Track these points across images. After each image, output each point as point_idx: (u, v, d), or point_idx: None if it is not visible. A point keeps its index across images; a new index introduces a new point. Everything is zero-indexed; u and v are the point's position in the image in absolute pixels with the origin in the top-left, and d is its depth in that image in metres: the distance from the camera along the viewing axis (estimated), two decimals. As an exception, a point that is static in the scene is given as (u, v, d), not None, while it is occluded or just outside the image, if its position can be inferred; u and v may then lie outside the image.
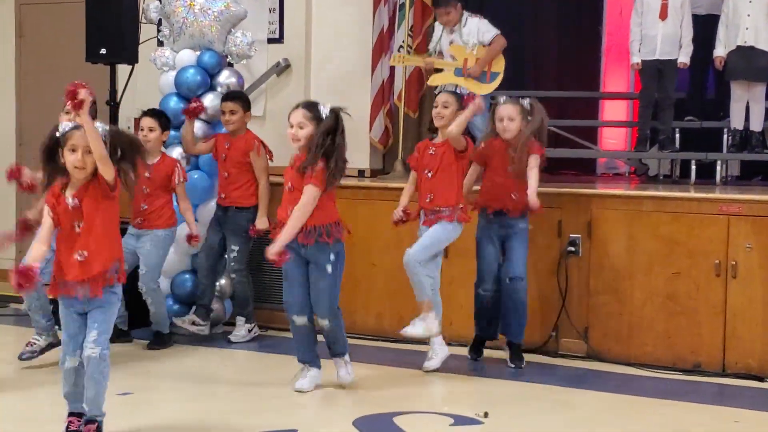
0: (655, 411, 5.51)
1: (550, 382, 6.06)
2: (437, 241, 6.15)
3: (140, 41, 7.60)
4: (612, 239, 6.58)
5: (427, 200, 6.17)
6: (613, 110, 10.29)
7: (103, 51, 7.31)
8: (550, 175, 7.25)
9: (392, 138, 8.23)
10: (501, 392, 5.86)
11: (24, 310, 6.34)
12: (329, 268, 5.57)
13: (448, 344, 6.33)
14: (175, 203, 6.82)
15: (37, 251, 4.48)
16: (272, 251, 5.45)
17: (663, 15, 7.84)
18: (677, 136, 8.45)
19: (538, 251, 6.60)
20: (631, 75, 9.58)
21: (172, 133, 7.20)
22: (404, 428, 5.03)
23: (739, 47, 7.74)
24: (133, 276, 6.49)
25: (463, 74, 7.35)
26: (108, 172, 4.45)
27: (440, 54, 7.58)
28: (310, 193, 5.46)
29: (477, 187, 6.47)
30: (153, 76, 7.63)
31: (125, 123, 8.04)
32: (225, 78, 7.42)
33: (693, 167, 7.93)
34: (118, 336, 6.35)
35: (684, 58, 7.87)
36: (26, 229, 5.09)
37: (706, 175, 8.04)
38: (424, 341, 6.32)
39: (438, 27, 7.62)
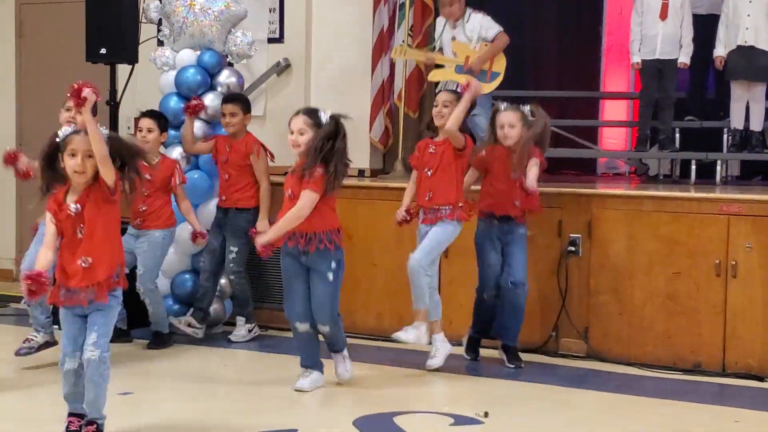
0: (655, 411, 5.51)
1: (550, 382, 6.05)
2: (439, 244, 6.15)
3: (140, 41, 7.60)
4: (612, 239, 6.58)
5: (427, 198, 6.16)
6: (614, 110, 10.30)
7: (103, 51, 7.31)
8: (551, 175, 7.26)
9: (392, 138, 8.23)
10: (501, 392, 5.86)
11: (23, 304, 6.34)
12: (330, 276, 5.58)
13: (450, 344, 6.33)
14: (174, 205, 6.82)
15: (45, 258, 4.47)
16: (260, 242, 5.48)
17: (663, 15, 7.84)
18: (677, 135, 8.45)
19: (538, 251, 6.60)
20: (632, 75, 9.58)
21: (172, 132, 7.21)
22: (404, 428, 5.03)
23: (739, 47, 7.74)
24: (131, 276, 6.48)
25: (464, 71, 7.35)
26: (109, 174, 4.45)
27: (440, 51, 7.57)
28: (307, 198, 5.46)
29: (477, 187, 6.46)
30: (153, 76, 7.63)
31: (125, 123, 8.05)
32: (225, 78, 7.42)
33: (693, 167, 7.93)
34: (118, 336, 6.34)
35: (684, 58, 7.87)
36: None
37: (706, 174, 8.04)
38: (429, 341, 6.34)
39: (440, 22, 7.61)
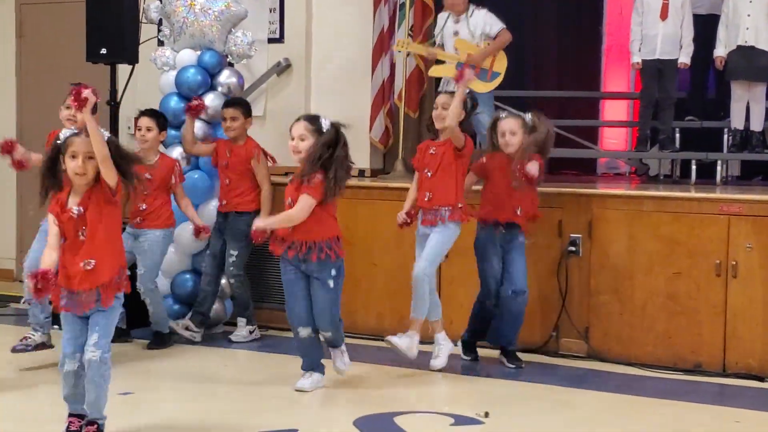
0: (655, 411, 5.51)
1: (550, 382, 6.05)
2: (441, 250, 6.15)
3: (141, 41, 7.59)
4: (612, 239, 6.58)
5: (426, 199, 6.16)
6: (614, 110, 10.30)
7: (103, 51, 7.30)
8: (551, 175, 7.24)
9: (392, 138, 8.23)
10: (501, 392, 5.86)
11: (24, 301, 6.33)
12: (331, 283, 5.59)
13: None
14: (174, 206, 6.82)
15: (49, 258, 4.47)
16: (257, 225, 5.54)
17: (663, 15, 7.84)
18: (677, 136, 8.45)
19: (538, 251, 6.59)
20: (632, 75, 9.59)
21: (173, 132, 7.21)
22: (405, 428, 5.03)
23: (739, 47, 7.74)
24: (131, 275, 6.47)
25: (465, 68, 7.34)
26: (110, 175, 4.46)
27: (440, 46, 7.56)
28: (304, 202, 5.46)
29: (478, 187, 6.46)
30: (153, 76, 7.63)
31: (125, 123, 8.05)
32: (225, 78, 7.42)
33: (693, 167, 7.93)
34: (118, 335, 6.32)
35: (685, 58, 7.87)
36: None
37: (706, 175, 8.03)
38: (426, 341, 6.33)
39: (442, 17, 7.60)
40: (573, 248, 6.63)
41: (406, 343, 6.09)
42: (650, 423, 5.30)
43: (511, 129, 6.22)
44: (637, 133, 8.55)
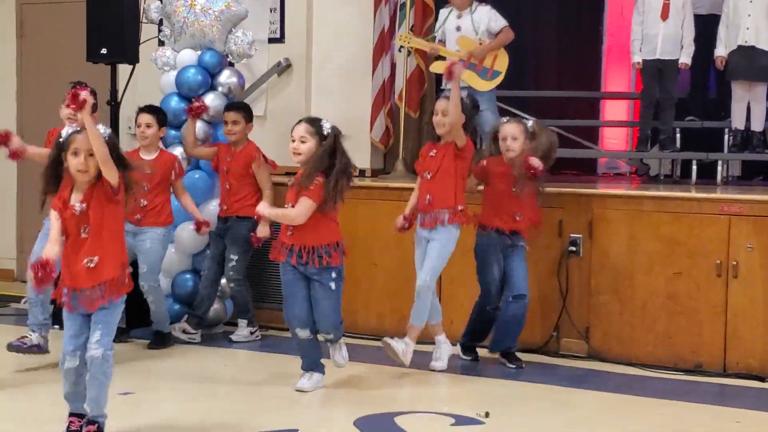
0: (655, 411, 5.51)
1: (550, 382, 6.05)
2: (442, 258, 6.14)
3: (141, 41, 7.58)
4: (613, 239, 6.57)
5: (426, 202, 6.16)
6: (614, 110, 10.30)
7: (103, 51, 7.30)
8: (551, 174, 7.24)
9: (393, 138, 8.22)
10: (502, 392, 5.86)
11: (25, 300, 6.33)
12: (332, 285, 5.59)
13: (451, 344, 6.34)
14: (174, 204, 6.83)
15: (51, 250, 4.46)
16: (259, 209, 5.58)
17: (664, 15, 7.84)
18: (678, 136, 8.45)
19: (538, 251, 6.59)
20: (632, 75, 9.58)
21: (173, 132, 7.21)
22: (405, 428, 5.03)
23: (740, 47, 7.74)
24: (132, 274, 6.47)
25: (466, 66, 7.35)
26: (111, 174, 4.47)
27: (440, 42, 7.55)
28: (303, 205, 5.46)
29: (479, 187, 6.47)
30: (154, 76, 7.63)
31: (126, 123, 8.04)
32: (226, 78, 7.42)
33: (694, 167, 7.93)
34: (118, 334, 6.32)
35: (685, 58, 7.87)
36: None
37: (707, 175, 8.04)
38: (427, 340, 6.33)
39: (443, 12, 7.59)
40: (573, 248, 6.63)
41: (402, 349, 6.08)
42: (650, 423, 5.30)
43: (513, 134, 6.22)
44: (637, 133, 8.55)
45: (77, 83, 6.16)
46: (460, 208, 6.11)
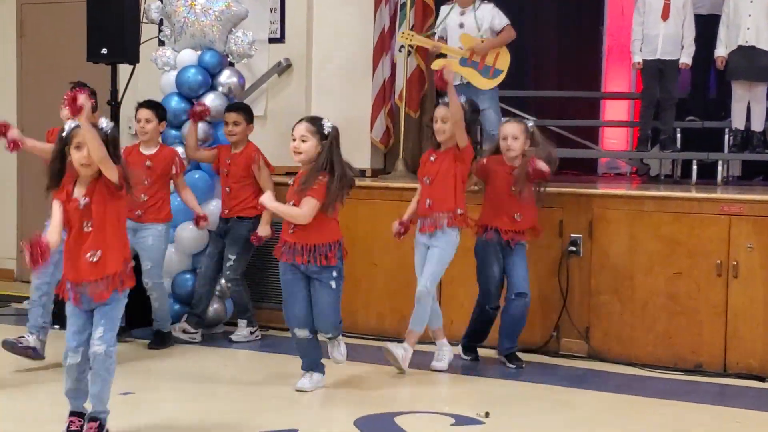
0: (655, 411, 5.51)
1: (550, 382, 6.05)
2: (443, 264, 6.14)
3: (141, 41, 7.60)
4: (613, 239, 6.57)
5: (426, 206, 6.15)
6: (615, 110, 10.29)
7: (104, 51, 7.31)
8: (552, 174, 7.24)
9: (393, 138, 8.22)
10: (502, 392, 5.86)
11: (25, 304, 6.31)
12: (333, 284, 5.59)
13: (450, 343, 6.36)
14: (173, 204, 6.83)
15: (52, 235, 4.48)
16: (262, 200, 5.54)
17: (665, 15, 7.84)
18: (678, 136, 8.45)
19: (539, 251, 6.59)
20: (633, 75, 9.58)
21: (173, 132, 7.21)
22: (405, 428, 5.03)
23: (740, 47, 7.74)
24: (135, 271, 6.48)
25: (468, 63, 7.35)
26: (111, 173, 4.49)
27: (440, 39, 7.55)
28: (309, 204, 5.46)
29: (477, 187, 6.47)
30: (154, 76, 7.64)
31: (126, 123, 8.05)
32: (226, 78, 7.42)
33: (694, 167, 7.93)
34: (118, 333, 6.33)
35: (686, 58, 7.87)
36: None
37: (707, 175, 8.03)
38: (427, 340, 6.34)
39: (444, 9, 7.59)
40: (573, 248, 6.63)
41: (401, 354, 6.08)
42: (650, 423, 5.30)
43: (513, 134, 6.22)
44: (637, 133, 8.54)
45: (77, 84, 6.18)
46: (459, 211, 6.10)
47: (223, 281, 7.16)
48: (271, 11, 8.31)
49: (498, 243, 6.27)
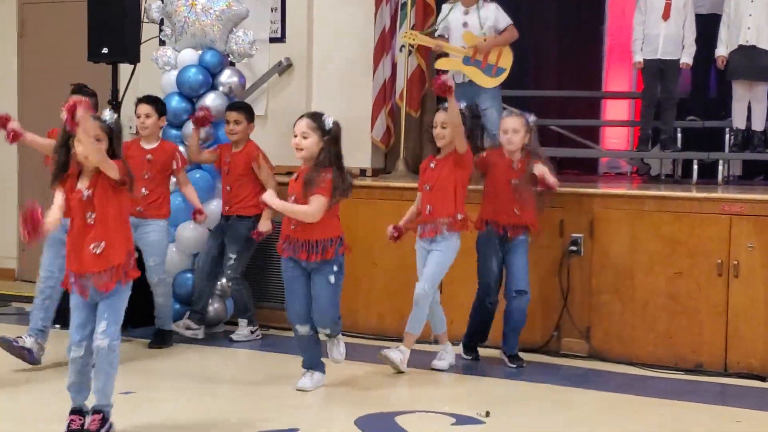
0: (656, 411, 5.51)
1: (551, 381, 6.05)
2: (442, 268, 6.14)
3: (142, 41, 7.60)
4: (614, 239, 6.57)
5: (427, 212, 6.15)
6: (615, 110, 10.29)
7: (104, 50, 7.32)
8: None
9: (394, 137, 8.22)
10: (502, 392, 5.86)
11: (29, 310, 6.30)
12: (332, 279, 5.59)
13: (451, 343, 6.36)
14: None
15: (53, 215, 4.54)
16: (265, 198, 5.52)
17: (666, 15, 7.83)
18: (679, 135, 8.44)
19: (539, 251, 6.59)
20: (633, 74, 9.57)
21: (173, 132, 7.22)
22: (406, 428, 5.03)
23: (741, 46, 7.73)
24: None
25: (471, 63, 7.35)
26: (112, 172, 4.53)
27: (441, 37, 7.54)
28: (318, 202, 5.45)
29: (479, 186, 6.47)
30: (155, 76, 7.64)
31: (127, 122, 8.03)
32: (227, 77, 7.42)
33: (695, 167, 7.93)
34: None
35: (687, 58, 7.86)
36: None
37: (708, 174, 8.03)
38: (428, 341, 6.34)
39: (446, 7, 7.59)
40: (574, 248, 6.63)
41: (398, 357, 6.07)
42: (651, 423, 5.30)
43: (514, 127, 6.23)
44: (638, 132, 8.54)
45: (77, 87, 6.18)
46: (459, 217, 6.10)
47: (223, 280, 7.17)
48: (272, 11, 8.31)
49: (497, 236, 6.28)
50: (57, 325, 6.31)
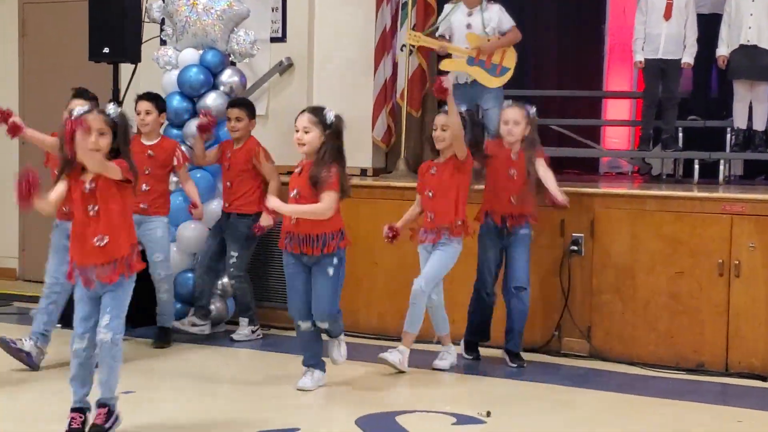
0: (657, 411, 5.50)
1: (552, 381, 6.05)
2: (442, 268, 6.13)
3: (143, 40, 7.60)
4: (615, 238, 6.57)
5: (429, 219, 6.15)
6: (616, 109, 10.29)
7: (105, 50, 7.32)
8: (553, 174, 7.24)
9: (395, 137, 8.22)
10: (503, 392, 5.86)
11: (32, 314, 6.29)
12: (331, 271, 5.57)
13: (452, 341, 6.34)
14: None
15: (49, 197, 4.56)
16: (271, 203, 5.47)
17: (667, 14, 7.84)
18: (680, 135, 8.44)
19: (540, 251, 6.59)
20: (634, 74, 9.58)
21: (174, 131, 7.22)
22: (407, 427, 5.03)
23: (742, 46, 7.74)
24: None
25: (475, 63, 7.35)
26: (114, 174, 4.54)
27: (442, 37, 7.54)
28: (329, 198, 5.45)
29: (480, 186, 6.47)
30: (156, 75, 7.64)
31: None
32: (228, 77, 7.42)
33: (696, 166, 7.93)
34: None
35: (688, 58, 7.87)
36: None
37: (709, 174, 8.03)
38: (429, 340, 6.33)
39: (448, 7, 7.58)
40: (575, 247, 6.63)
41: (398, 358, 6.06)
42: (651, 423, 5.29)
43: (515, 119, 6.24)
44: (639, 132, 8.54)
45: (79, 89, 6.18)
46: (459, 222, 6.09)
47: (225, 279, 7.17)
48: (273, 10, 8.31)
49: (495, 228, 6.28)
50: (58, 325, 6.30)
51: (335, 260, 5.58)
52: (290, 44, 8.27)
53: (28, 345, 6.01)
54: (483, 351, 6.55)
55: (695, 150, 8.15)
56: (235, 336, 7.07)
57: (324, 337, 5.80)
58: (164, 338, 6.81)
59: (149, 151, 6.66)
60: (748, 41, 7.71)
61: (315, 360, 5.78)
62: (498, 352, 6.47)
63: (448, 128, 6.04)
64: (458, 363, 6.36)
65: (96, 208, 4.57)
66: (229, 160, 7.00)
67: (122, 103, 7.51)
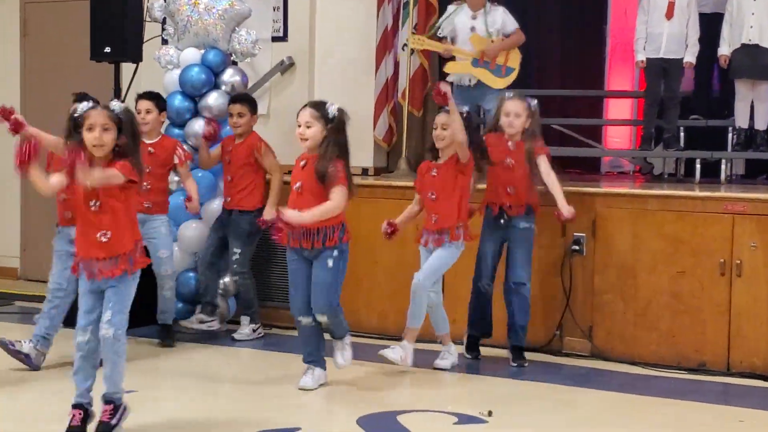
0: (658, 410, 5.50)
1: (553, 381, 6.04)
2: (443, 265, 6.12)
3: (144, 40, 7.60)
4: (616, 238, 6.56)
5: (432, 222, 6.14)
6: (618, 109, 10.27)
7: (107, 49, 7.31)
8: (554, 173, 7.23)
9: (396, 136, 8.23)
10: (505, 391, 5.85)
11: (35, 320, 6.28)
12: (330, 263, 5.56)
13: (452, 341, 6.34)
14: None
15: (51, 178, 4.58)
16: (288, 217, 5.36)
17: (669, 14, 7.83)
18: (682, 134, 8.43)
19: (542, 250, 6.59)
20: (636, 73, 9.56)
21: (176, 131, 7.22)
22: (408, 427, 5.02)
23: (743, 45, 7.72)
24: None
25: (480, 65, 7.34)
26: (117, 180, 4.55)
27: (445, 39, 7.52)
28: (339, 194, 5.45)
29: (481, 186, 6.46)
30: (157, 75, 7.65)
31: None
32: (229, 76, 7.42)
33: (698, 166, 7.92)
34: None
35: (690, 57, 7.86)
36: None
37: (710, 173, 8.01)
38: (430, 340, 6.33)
39: (452, 7, 7.57)
40: (577, 247, 6.62)
41: (400, 354, 6.05)
42: (653, 423, 5.29)
43: (516, 111, 6.24)
44: (641, 131, 8.53)
45: (80, 94, 6.17)
46: (460, 225, 6.08)
47: (226, 278, 7.16)
48: (274, 10, 8.32)
49: (494, 218, 6.28)
50: (62, 325, 6.30)
51: (335, 252, 5.56)
52: (292, 43, 8.28)
53: (27, 347, 6.00)
54: (484, 350, 6.55)
55: (697, 149, 8.14)
56: (236, 335, 7.07)
57: (327, 337, 5.79)
58: (169, 336, 6.82)
59: (150, 149, 6.67)
60: (750, 40, 7.70)
61: (315, 357, 5.76)
62: (499, 352, 6.47)
63: (448, 127, 6.03)
64: (459, 363, 6.35)
65: (98, 203, 4.58)
66: (230, 154, 7.02)
67: (124, 102, 7.51)
